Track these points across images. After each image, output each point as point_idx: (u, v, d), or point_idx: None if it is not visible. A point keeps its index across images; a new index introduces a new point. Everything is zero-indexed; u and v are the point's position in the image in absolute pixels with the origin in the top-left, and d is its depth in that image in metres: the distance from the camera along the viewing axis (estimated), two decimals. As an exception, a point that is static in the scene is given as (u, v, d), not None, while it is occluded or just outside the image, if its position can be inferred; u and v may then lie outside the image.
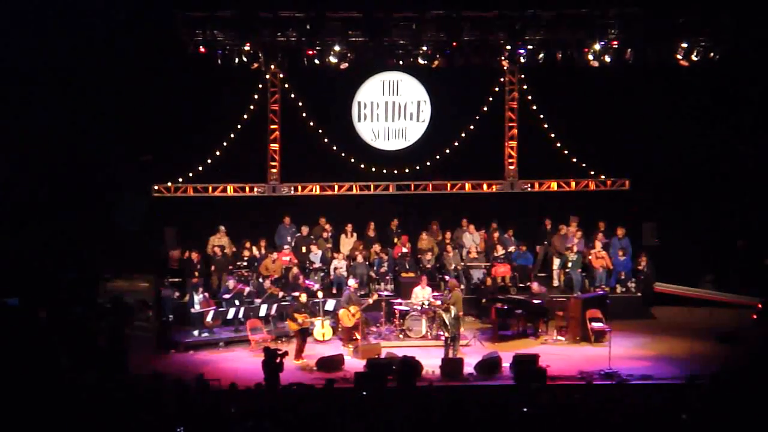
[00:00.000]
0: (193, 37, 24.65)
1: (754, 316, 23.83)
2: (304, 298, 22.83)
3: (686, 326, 24.35)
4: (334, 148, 27.11)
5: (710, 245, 26.07)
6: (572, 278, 25.91)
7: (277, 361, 18.55)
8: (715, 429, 11.12)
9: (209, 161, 26.63)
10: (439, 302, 23.14)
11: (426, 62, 25.78)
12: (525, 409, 13.70)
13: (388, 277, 26.12)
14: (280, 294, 24.46)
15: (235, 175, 26.99)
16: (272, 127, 27.13)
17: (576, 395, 16.05)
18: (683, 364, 20.66)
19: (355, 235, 27.03)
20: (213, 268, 25.73)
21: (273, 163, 27.24)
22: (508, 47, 25.66)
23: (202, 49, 24.79)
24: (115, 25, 23.79)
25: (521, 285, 26.00)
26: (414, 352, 21.36)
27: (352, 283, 24.14)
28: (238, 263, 25.69)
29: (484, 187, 27.90)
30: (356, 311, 23.07)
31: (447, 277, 25.33)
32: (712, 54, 25.18)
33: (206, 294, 24.06)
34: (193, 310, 23.62)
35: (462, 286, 25.01)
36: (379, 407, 14.07)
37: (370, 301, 23.96)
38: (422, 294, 23.75)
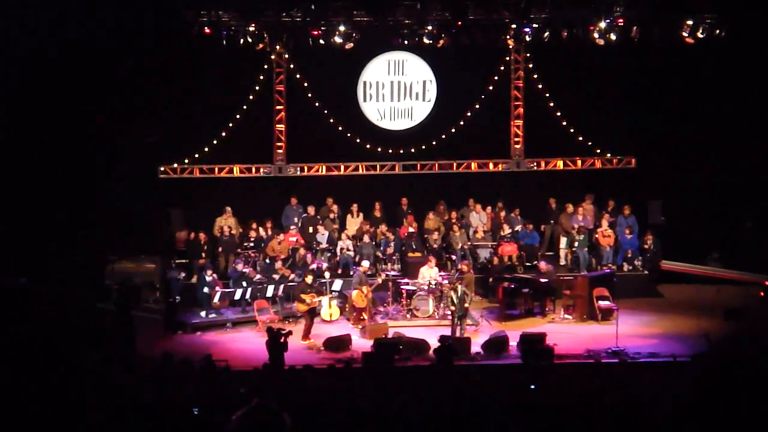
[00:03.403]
0: (197, 18, 24.63)
1: (762, 294, 23.78)
2: (309, 279, 22.84)
3: (693, 304, 24.31)
4: (340, 128, 27.06)
5: (716, 222, 26.02)
6: (579, 257, 25.89)
7: (281, 341, 18.52)
8: (717, 406, 11.10)
9: (215, 142, 26.61)
10: (446, 282, 23.16)
11: (431, 42, 25.70)
12: (532, 387, 13.72)
13: (394, 257, 26.11)
14: (291, 275, 24.50)
15: (241, 156, 26.99)
16: (278, 107, 27.11)
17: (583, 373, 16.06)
18: (690, 342, 20.65)
19: (361, 215, 27.03)
20: (220, 249, 25.75)
21: (279, 144, 27.23)
22: (514, 26, 25.61)
23: (207, 30, 24.77)
24: (121, 6, 23.72)
25: (528, 264, 25.99)
26: (421, 332, 21.45)
27: (366, 264, 24.18)
28: (245, 244, 25.68)
29: (491, 166, 27.86)
30: (368, 291, 23.11)
31: (453, 257, 25.34)
32: (717, 31, 25.08)
33: (215, 275, 24.11)
34: (206, 290, 23.67)
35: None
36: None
37: (379, 281, 24.01)
38: (429, 274, 23.72)
